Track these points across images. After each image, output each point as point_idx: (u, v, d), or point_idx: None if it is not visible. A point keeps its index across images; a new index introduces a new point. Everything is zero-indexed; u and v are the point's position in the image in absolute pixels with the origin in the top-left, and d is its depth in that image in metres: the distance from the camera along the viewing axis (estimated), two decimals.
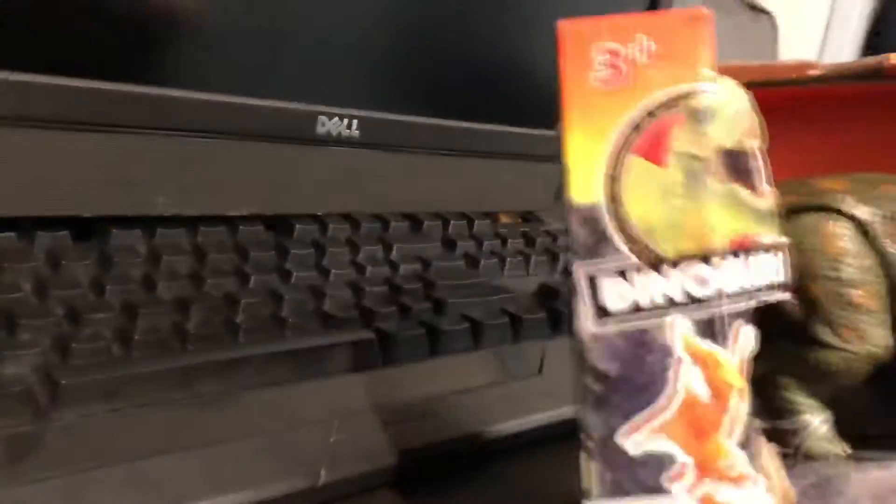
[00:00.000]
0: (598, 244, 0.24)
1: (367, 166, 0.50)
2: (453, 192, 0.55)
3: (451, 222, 0.53)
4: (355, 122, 0.48)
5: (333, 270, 0.43)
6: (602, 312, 0.24)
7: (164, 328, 0.35)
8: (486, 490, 0.36)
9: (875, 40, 1.86)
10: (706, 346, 0.24)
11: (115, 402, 0.31)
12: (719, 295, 0.24)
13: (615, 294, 0.24)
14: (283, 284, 0.41)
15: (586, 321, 0.24)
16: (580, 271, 0.25)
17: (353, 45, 0.47)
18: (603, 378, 0.24)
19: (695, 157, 0.24)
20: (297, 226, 0.46)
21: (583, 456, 0.24)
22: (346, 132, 0.48)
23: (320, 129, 0.46)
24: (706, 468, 0.23)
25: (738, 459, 0.23)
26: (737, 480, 0.23)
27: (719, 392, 0.24)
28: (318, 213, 0.48)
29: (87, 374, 0.31)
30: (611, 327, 0.24)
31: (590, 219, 0.25)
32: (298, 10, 0.44)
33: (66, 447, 0.29)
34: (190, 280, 0.39)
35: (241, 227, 0.44)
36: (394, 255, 0.47)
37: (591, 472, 0.24)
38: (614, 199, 0.25)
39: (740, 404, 0.23)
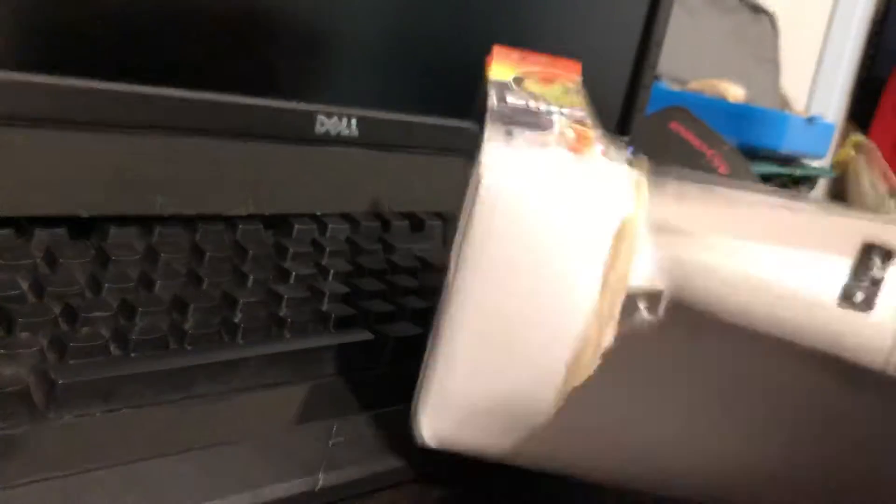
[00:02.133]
0: (506, 88, 0.36)
1: (367, 165, 0.50)
2: (453, 191, 0.55)
3: (452, 222, 0.53)
4: (354, 121, 0.48)
5: (333, 270, 0.43)
6: (503, 101, 0.35)
7: (162, 328, 0.35)
8: (488, 493, 0.35)
9: (877, 40, 1.86)
10: (577, 124, 0.34)
11: (113, 403, 0.31)
12: (584, 120, 0.35)
13: (513, 99, 0.35)
14: (282, 284, 0.41)
15: (491, 103, 0.34)
16: (492, 90, 0.35)
17: (352, 44, 0.47)
18: (500, 115, 0.33)
19: (573, 87, 0.38)
20: (297, 225, 0.46)
21: (479, 140, 0.32)
22: (345, 131, 0.48)
23: (319, 129, 0.46)
24: (579, 150, 0.32)
25: (601, 148, 0.32)
26: (601, 154, 0.32)
27: (585, 134, 0.33)
28: (318, 213, 0.48)
29: (85, 373, 0.31)
30: (510, 105, 0.34)
31: (502, 82, 0.36)
32: (297, 9, 0.44)
33: (62, 448, 0.29)
34: (188, 279, 0.39)
35: (239, 226, 0.44)
36: (393, 255, 0.47)
37: (483, 140, 0.31)
38: (519, 82, 0.37)
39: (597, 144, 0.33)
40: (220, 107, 0.42)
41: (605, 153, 0.32)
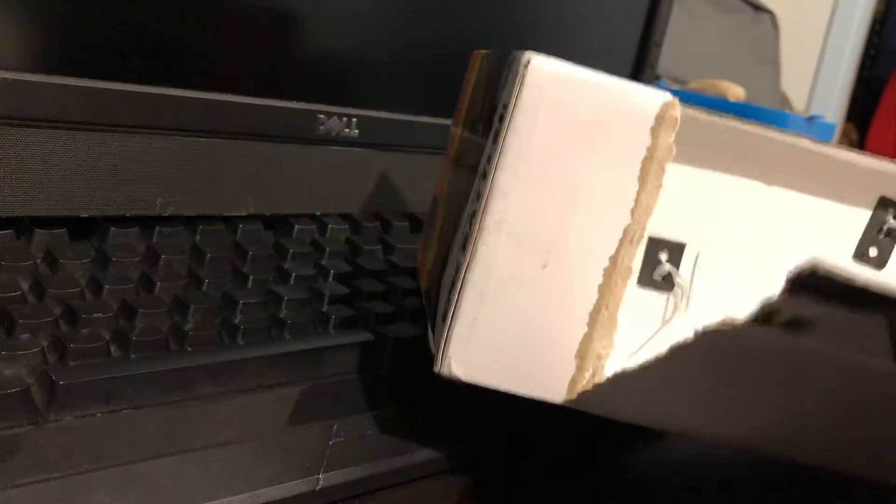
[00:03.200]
0: None
1: (367, 165, 0.50)
2: None
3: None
4: (355, 120, 0.48)
5: (333, 271, 0.43)
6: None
7: (163, 329, 0.35)
8: (489, 493, 0.35)
9: (877, 40, 1.86)
10: None
11: (113, 404, 0.31)
12: None
13: None
14: (282, 285, 0.41)
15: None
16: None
17: (352, 43, 0.47)
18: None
19: None
20: (297, 226, 0.46)
21: (510, 61, 0.31)
22: (345, 131, 0.48)
23: (320, 129, 0.46)
24: None
25: None
26: None
27: None
28: (317, 213, 0.48)
29: (85, 374, 0.31)
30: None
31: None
32: (298, 9, 0.44)
33: (63, 448, 0.29)
34: (188, 280, 0.39)
35: (239, 226, 0.44)
36: (393, 255, 0.47)
37: (515, 54, 0.30)
38: None
39: None
40: (220, 107, 0.42)
41: None
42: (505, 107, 0.30)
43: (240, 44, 0.43)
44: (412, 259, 0.47)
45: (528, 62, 0.29)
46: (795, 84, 1.65)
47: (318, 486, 0.32)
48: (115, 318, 0.35)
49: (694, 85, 1.17)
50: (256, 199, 0.45)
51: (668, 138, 0.30)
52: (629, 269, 0.31)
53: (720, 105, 1.08)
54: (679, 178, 0.31)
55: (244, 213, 0.44)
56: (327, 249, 0.45)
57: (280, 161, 0.45)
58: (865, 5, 1.80)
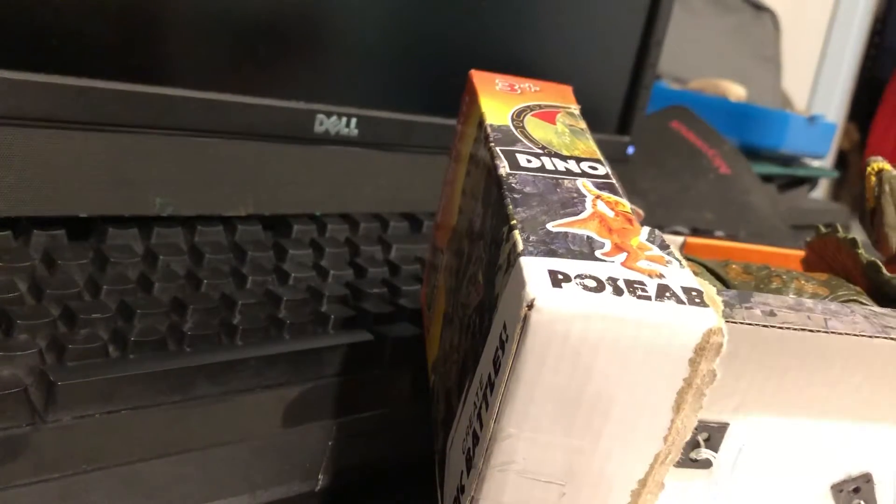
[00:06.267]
0: (511, 141, 0.32)
1: (366, 165, 0.50)
2: None
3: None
4: (354, 120, 0.48)
5: (332, 271, 0.43)
6: (515, 165, 0.30)
7: (161, 329, 0.35)
8: None
9: (878, 39, 1.86)
10: (605, 192, 0.30)
11: (111, 404, 0.31)
12: (609, 179, 0.31)
13: (525, 159, 0.31)
14: (281, 286, 0.41)
15: (503, 169, 0.30)
16: (497, 148, 0.31)
17: (351, 43, 0.47)
18: (520, 192, 0.29)
19: (576, 125, 0.35)
20: (296, 226, 0.46)
21: (509, 235, 0.26)
22: (344, 130, 0.47)
23: (318, 128, 0.46)
24: (627, 249, 0.26)
25: (654, 248, 0.27)
26: (657, 260, 0.26)
27: (624, 216, 0.28)
28: (317, 213, 0.48)
29: (83, 375, 0.31)
30: (524, 172, 0.30)
31: (502, 129, 0.33)
32: (297, 9, 0.44)
33: (62, 449, 0.29)
34: (187, 280, 0.39)
35: (238, 227, 0.44)
36: (393, 255, 0.47)
37: (517, 240, 0.26)
38: (519, 126, 0.34)
39: (640, 224, 0.28)
40: (219, 106, 0.42)
41: (657, 256, 0.26)
42: (505, 333, 0.25)
43: (239, 43, 0.42)
44: (412, 259, 0.47)
45: (532, 302, 0.23)
46: (796, 84, 1.65)
47: (318, 487, 0.32)
48: (113, 319, 0.34)
49: (695, 84, 1.17)
50: (255, 199, 0.45)
51: (711, 365, 0.25)
52: (661, 485, 0.27)
53: (721, 105, 1.08)
54: (722, 366, 0.26)
55: (243, 214, 0.44)
56: (326, 249, 0.45)
57: (279, 161, 0.45)
58: (867, 5, 1.80)
